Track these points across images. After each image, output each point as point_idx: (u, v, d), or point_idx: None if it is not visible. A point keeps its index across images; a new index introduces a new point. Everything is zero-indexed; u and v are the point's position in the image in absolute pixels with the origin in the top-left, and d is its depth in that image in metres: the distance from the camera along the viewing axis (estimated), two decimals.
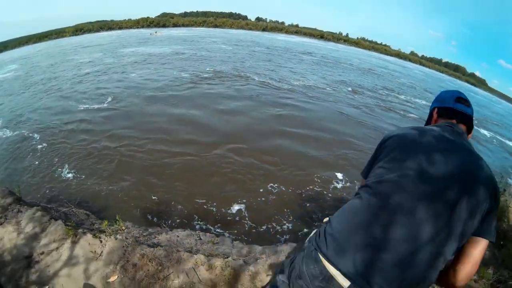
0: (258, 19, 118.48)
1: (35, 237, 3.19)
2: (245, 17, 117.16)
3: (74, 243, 3.09)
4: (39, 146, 8.11)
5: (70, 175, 6.77)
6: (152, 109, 10.74)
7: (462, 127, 1.44)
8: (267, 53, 31.14)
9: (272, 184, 6.63)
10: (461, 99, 1.52)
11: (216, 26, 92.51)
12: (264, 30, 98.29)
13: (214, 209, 5.79)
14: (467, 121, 1.47)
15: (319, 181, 7.08)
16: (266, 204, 6.06)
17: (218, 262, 2.96)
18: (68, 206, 4.62)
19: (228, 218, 5.60)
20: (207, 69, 18.12)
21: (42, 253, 3.01)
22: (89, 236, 3.17)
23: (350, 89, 18.42)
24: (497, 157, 13.31)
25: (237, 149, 8.08)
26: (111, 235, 3.23)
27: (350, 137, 9.94)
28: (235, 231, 5.30)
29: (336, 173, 7.62)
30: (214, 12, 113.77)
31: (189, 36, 46.42)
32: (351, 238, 1.22)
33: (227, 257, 3.12)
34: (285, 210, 5.97)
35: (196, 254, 3.09)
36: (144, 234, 3.93)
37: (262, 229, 5.41)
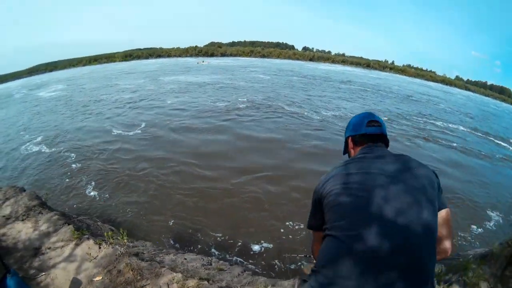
0: (305, 48, 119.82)
1: (47, 235, 3.72)
2: (292, 47, 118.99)
3: (77, 245, 3.53)
4: (72, 164, 8.98)
5: (95, 192, 7.32)
6: (180, 137, 11.23)
7: (380, 144, 1.54)
8: (306, 83, 31.41)
9: (298, 223, 6.49)
10: (371, 121, 1.58)
11: (263, 56, 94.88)
12: (311, 59, 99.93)
13: (237, 240, 5.84)
14: (382, 139, 1.56)
15: None
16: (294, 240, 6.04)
17: (192, 283, 3.10)
18: (94, 220, 5.20)
19: (251, 252, 5.59)
20: (240, 99, 18.60)
21: (49, 248, 3.50)
22: (91, 241, 3.57)
23: (385, 118, 18.07)
24: None
25: (267, 179, 8.26)
26: (111, 244, 3.58)
27: None
28: (254, 262, 5.33)
29: None
30: (262, 42, 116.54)
31: (232, 66, 48.22)
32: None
33: (205, 280, 3.24)
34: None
35: (176, 273, 3.26)
36: (153, 252, 4.27)
37: (284, 265, 5.36)
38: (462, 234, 7.08)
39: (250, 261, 5.34)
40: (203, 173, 8.36)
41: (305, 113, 16.14)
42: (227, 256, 5.38)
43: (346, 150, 1.70)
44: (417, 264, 1.13)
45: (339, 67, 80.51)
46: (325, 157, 10.19)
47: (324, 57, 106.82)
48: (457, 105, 38.02)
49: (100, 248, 3.51)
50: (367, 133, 1.55)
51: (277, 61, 79.42)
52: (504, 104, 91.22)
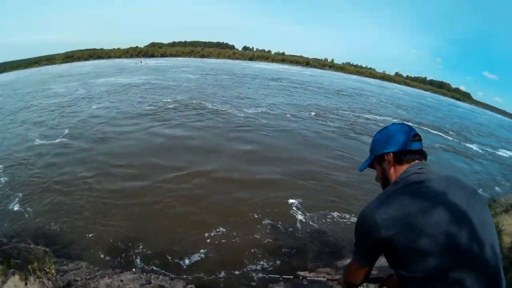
0: (245, 48, 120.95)
1: None
2: (232, 47, 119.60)
3: (3, 282, 3.24)
4: None
5: (22, 208, 6.94)
6: (105, 144, 11.11)
7: (426, 163, 1.38)
8: (234, 81, 32.27)
9: (234, 230, 6.52)
10: (416, 135, 1.40)
11: (203, 56, 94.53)
12: (250, 59, 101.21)
13: (177, 251, 5.77)
14: (424, 156, 1.40)
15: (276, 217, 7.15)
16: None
17: None
18: (26, 242, 4.91)
19: (192, 262, 5.57)
20: (166, 100, 18.88)
21: None
22: (17, 277, 3.30)
23: (313, 113, 19.11)
24: (492, 169, 14.48)
25: (200, 181, 8.53)
26: (38, 278, 3.37)
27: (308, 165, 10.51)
28: (197, 274, 5.29)
29: (291, 200, 7.96)
30: (202, 42, 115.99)
31: (166, 66, 48.22)
32: None
33: None
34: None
35: None
36: (88, 276, 4.11)
37: (228, 273, 5.37)
38: None
39: (193, 273, 5.27)
40: (131, 178, 8.38)
41: (228, 110, 16.86)
42: (167, 270, 5.28)
43: (379, 165, 1.48)
44: None
45: (274, 66, 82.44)
46: (252, 154, 10.89)
47: (264, 56, 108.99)
48: (392, 99, 40.71)
49: (27, 285, 3.28)
50: (413, 149, 1.38)
51: (213, 61, 79.71)
52: (443, 97, 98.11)
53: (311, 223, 7.17)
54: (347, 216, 7.60)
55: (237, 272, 5.34)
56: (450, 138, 20.43)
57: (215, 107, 17.40)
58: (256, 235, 6.44)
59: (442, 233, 1.10)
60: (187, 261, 5.58)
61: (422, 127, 22.23)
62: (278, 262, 5.71)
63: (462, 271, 1.09)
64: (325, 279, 2.27)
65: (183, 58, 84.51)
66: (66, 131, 12.50)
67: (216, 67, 52.45)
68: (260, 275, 5.26)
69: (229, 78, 34.91)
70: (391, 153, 1.38)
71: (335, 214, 7.64)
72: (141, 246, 5.80)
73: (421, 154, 1.38)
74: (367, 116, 21.83)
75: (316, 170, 10.13)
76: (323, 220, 7.35)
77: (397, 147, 1.37)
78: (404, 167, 1.35)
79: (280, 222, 7.00)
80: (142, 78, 30.68)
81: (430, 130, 21.81)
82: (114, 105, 17.49)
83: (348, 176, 9.95)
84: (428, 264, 1.11)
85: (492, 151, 19.20)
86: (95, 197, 7.47)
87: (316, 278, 2.49)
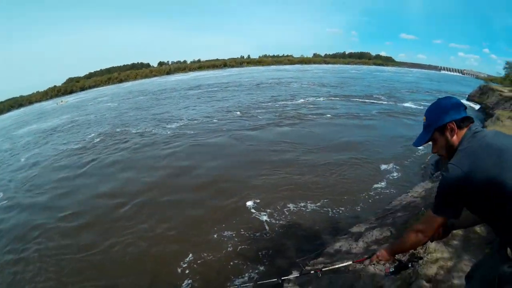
0: (160, 63, 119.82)
1: None
2: (147, 65, 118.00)
3: None
4: None
5: None
6: (41, 198, 10.75)
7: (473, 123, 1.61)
8: (152, 99, 32.66)
9: (190, 255, 6.33)
10: (463, 105, 1.66)
11: (121, 81, 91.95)
12: (168, 73, 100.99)
13: None
14: (472, 119, 1.62)
15: None
16: None
17: None
18: None
19: None
20: (90, 135, 18.81)
21: None
22: None
23: (238, 113, 19.98)
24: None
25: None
26: None
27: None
28: None
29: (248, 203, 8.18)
30: (118, 66, 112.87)
31: (83, 100, 46.96)
32: None
33: None
34: None
35: None
36: None
37: None
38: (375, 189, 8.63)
39: None
40: (80, 230, 8.13)
41: (153, 131, 17.39)
42: None
43: (442, 133, 1.64)
44: None
45: (192, 75, 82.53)
46: (191, 169, 11.13)
47: (180, 67, 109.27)
48: (313, 79, 42.77)
49: None
50: (468, 116, 1.61)
51: (130, 83, 78.65)
52: (365, 67, 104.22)
53: (276, 220, 7.38)
54: (308, 202, 7.97)
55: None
56: (384, 103, 22.47)
57: (139, 131, 17.72)
58: (228, 249, 6.40)
59: None
60: None
61: (352, 99, 24.21)
62: (262, 268, 5.76)
63: None
64: (352, 262, 2.45)
65: (102, 87, 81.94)
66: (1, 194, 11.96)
67: (132, 89, 51.98)
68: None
69: (148, 98, 35.09)
70: (453, 122, 1.57)
71: (294, 204, 7.94)
72: None
73: (470, 118, 1.60)
74: (293, 102, 23.21)
75: (261, 167, 10.58)
76: (286, 213, 7.60)
77: (458, 115, 1.58)
78: (463, 131, 1.57)
79: (245, 228, 7.06)
80: (63, 118, 30.09)
81: (364, 100, 23.71)
82: (42, 152, 17.26)
83: (295, 163, 10.76)
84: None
85: (428, 104, 22.18)
86: (48, 256, 7.15)
87: (338, 266, 2.59)
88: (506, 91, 17.43)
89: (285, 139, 13.70)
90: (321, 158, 11.36)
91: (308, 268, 4.74)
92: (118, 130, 18.94)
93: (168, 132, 16.69)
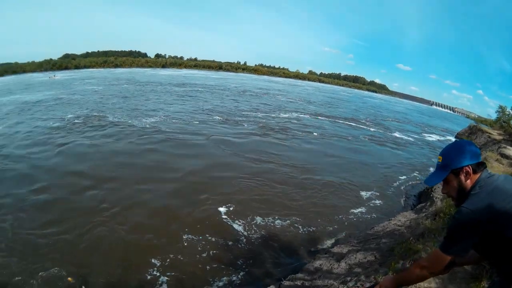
0: (157, 55, 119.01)
1: None
2: (144, 55, 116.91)
3: None
4: None
5: None
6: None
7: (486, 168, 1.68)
8: (138, 90, 32.06)
9: (156, 264, 5.75)
10: (479, 151, 1.70)
11: (116, 65, 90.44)
12: (163, 66, 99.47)
13: None
14: (485, 165, 1.68)
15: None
16: None
17: None
18: None
19: None
20: (68, 116, 17.86)
21: None
22: None
23: (219, 117, 19.53)
24: (419, 153, 16.74)
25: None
26: None
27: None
28: None
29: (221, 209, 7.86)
30: (115, 51, 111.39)
31: (74, 79, 46.05)
32: None
33: None
34: None
35: None
36: None
37: None
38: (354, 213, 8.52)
39: None
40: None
41: (129, 121, 16.74)
42: None
43: (458, 177, 1.66)
44: None
45: (184, 71, 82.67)
46: (160, 168, 10.44)
47: (176, 63, 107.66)
48: (302, 95, 43.34)
49: None
50: (482, 161, 1.66)
51: (121, 70, 77.06)
52: (357, 91, 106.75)
53: (253, 229, 7.16)
54: (286, 216, 7.80)
55: None
56: (371, 129, 22.85)
57: (116, 120, 17.05)
58: (203, 253, 6.12)
59: None
60: None
61: (337, 121, 24.29)
62: (238, 275, 5.58)
63: None
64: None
65: (95, 69, 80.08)
66: None
67: (121, 76, 51.00)
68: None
69: (133, 88, 34.38)
70: (470, 166, 1.61)
71: (272, 216, 7.73)
72: None
73: (484, 164, 1.66)
74: (276, 114, 23.11)
75: (239, 174, 10.33)
76: (263, 224, 7.40)
77: (475, 160, 1.61)
78: (477, 175, 1.62)
79: (221, 234, 6.83)
80: (47, 94, 28.78)
81: (350, 123, 23.95)
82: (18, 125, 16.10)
83: (275, 175, 10.56)
84: None
85: (417, 136, 22.44)
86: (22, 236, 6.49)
87: None
88: (494, 133, 17.84)
89: (267, 150, 13.49)
90: (303, 174, 11.14)
91: (287, 282, 4.58)
92: (95, 114, 18.25)
93: (145, 126, 16.15)
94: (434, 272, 1.75)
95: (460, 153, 1.64)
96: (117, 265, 5.64)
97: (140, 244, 6.32)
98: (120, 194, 8.52)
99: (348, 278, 4.04)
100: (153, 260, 5.75)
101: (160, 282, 5.28)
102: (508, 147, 12.94)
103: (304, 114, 25.17)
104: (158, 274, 5.44)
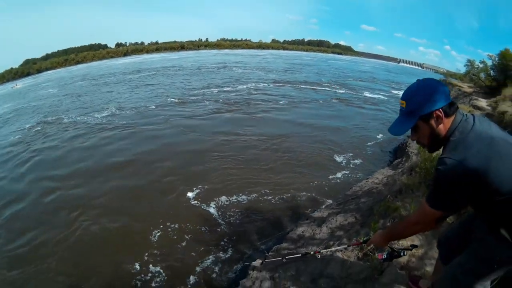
0: (118, 45, 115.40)
1: None
2: (105, 46, 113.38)
3: None
4: None
5: None
6: None
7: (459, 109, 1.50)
8: (92, 85, 31.11)
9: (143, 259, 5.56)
10: (447, 88, 1.49)
11: (78, 62, 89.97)
12: (125, 54, 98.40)
13: None
14: (456, 104, 1.48)
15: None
16: None
17: None
18: None
19: None
20: (28, 125, 16.86)
21: None
22: None
23: (176, 100, 18.86)
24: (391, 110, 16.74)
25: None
26: None
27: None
28: None
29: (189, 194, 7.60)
30: (75, 47, 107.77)
31: (33, 85, 45.01)
32: None
33: None
34: None
35: None
36: None
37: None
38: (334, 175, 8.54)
39: None
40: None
41: (84, 119, 16.10)
42: None
43: (427, 121, 1.47)
44: None
45: (142, 57, 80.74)
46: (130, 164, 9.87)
47: (138, 49, 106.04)
48: (261, 65, 42.60)
49: None
50: (453, 101, 1.45)
51: (78, 67, 74.44)
52: (321, 54, 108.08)
53: (233, 207, 7.07)
54: (263, 190, 7.66)
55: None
56: (339, 91, 22.72)
57: (71, 120, 16.33)
58: (188, 240, 5.99)
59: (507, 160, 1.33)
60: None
61: (299, 86, 24.08)
62: (225, 254, 5.57)
63: None
64: (347, 246, 2.83)
65: (52, 71, 77.79)
66: None
67: (77, 73, 49.46)
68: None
69: (87, 83, 33.17)
70: (440, 108, 1.41)
71: (249, 192, 7.62)
72: None
73: (455, 104, 1.46)
74: (235, 87, 22.60)
75: (207, 157, 9.88)
76: (241, 201, 7.30)
77: (444, 102, 1.41)
78: (451, 118, 1.44)
79: (200, 218, 6.69)
80: (5, 107, 26.91)
81: (314, 87, 23.81)
82: None
83: (244, 151, 10.28)
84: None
85: (387, 94, 22.61)
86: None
87: (335, 249, 2.88)
88: (465, 86, 18.10)
89: (232, 127, 13.08)
90: (274, 145, 10.97)
91: (271, 253, 4.51)
92: (50, 119, 17.27)
93: (101, 121, 15.44)
94: (426, 228, 1.70)
95: (426, 96, 1.43)
96: (105, 263, 5.53)
97: (124, 242, 6.16)
98: (79, 193, 8.25)
99: (331, 242, 4.02)
100: (140, 254, 5.60)
101: (153, 272, 5.22)
102: (480, 99, 13.25)
103: (264, 83, 24.63)
104: (150, 266, 5.34)
